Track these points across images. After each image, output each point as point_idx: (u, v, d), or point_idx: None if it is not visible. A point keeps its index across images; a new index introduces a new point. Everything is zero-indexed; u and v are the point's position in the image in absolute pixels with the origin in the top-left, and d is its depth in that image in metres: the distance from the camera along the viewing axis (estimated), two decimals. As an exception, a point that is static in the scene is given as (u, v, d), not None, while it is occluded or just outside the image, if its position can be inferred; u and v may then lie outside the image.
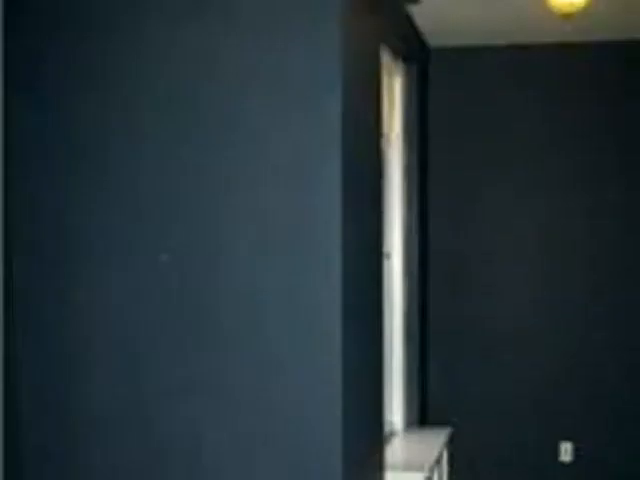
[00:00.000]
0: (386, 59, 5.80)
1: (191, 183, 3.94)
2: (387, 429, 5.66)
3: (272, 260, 3.85)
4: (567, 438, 6.84)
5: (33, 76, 4.05)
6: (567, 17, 5.07)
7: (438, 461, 5.57)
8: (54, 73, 4.04)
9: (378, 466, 4.71)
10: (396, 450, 5.55)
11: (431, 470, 5.13)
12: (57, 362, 4.10)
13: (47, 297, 4.11)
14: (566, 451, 6.83)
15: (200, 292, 3.92)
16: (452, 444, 6.53)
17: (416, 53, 6.67)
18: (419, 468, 4.94)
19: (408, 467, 5.00)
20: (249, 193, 3.88)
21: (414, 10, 6.05)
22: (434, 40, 6.93)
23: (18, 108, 4.04)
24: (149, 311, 3.99)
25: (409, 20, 6.33)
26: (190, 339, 3.93)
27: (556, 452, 6.86)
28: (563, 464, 6.84)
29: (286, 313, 3.83)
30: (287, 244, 3.84)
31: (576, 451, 6.81)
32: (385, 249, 5.71)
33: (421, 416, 6.79)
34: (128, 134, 4.00)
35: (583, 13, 5.23)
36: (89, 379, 4.08)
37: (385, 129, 5.80)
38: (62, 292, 4.09)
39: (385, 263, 5.55)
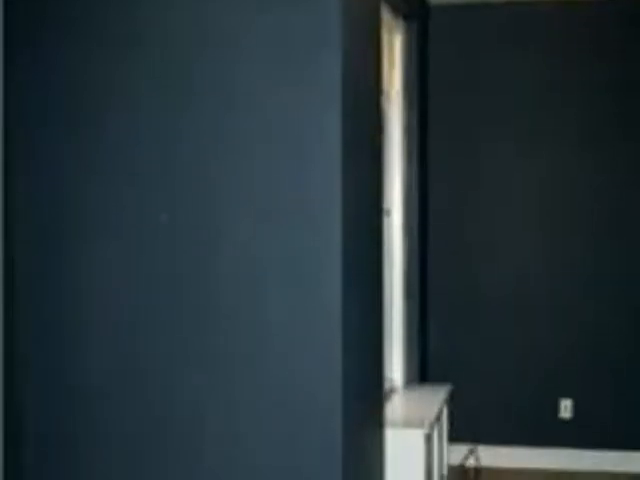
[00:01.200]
0: (386, 17, 5.77)
1: (189, 149, 3.93)
2: (387, 386, 5.69)
3: (271, 221, 3.84)
4: (567, 395, 6.87)
5: (33, 42, 4.04)
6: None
7: (438, 418, 5.60)
8: (54, 39, 4.03)
9: (378, 423, 4.73)
10: (396, 407, 5.58)
11: (431, 427, 5.15)
12: (55, 334, 4.10)
13: (46, 267, 4.11)
14: (566, 408, 6.86)
15: (198, 260, 3.92)
16: (452, 401, 6.56)
17: (416, 10, 6.62)
18: (419, 425, 4.97)
19: (408, 424, 5.03)
20: (248, 154, 3.87)
21: (414, -33, 6.01)
22: (434, -3, 6.90)
23: (16, 83, 4.05)
24: (147, 282, 3.99)
25: (409, -23, 6.30)
26: (189, 308, 3.93)
27: (556, 409, 6.89)
28: (563, 421, 6.87)
29: (285, 273, 3.83)
30: (286, 203, 3.83)
31: (576, 408, 6.84)
32: (385, 206, 5.71)
33: (421, 373, 6.82)
34: (125, 101, 3.99)
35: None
36: (87, 352, 4.08)
37: (385, 86, 5.78)
38: (61, 262, 4.09)
39: (385, 220, 5.55)
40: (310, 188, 3.81)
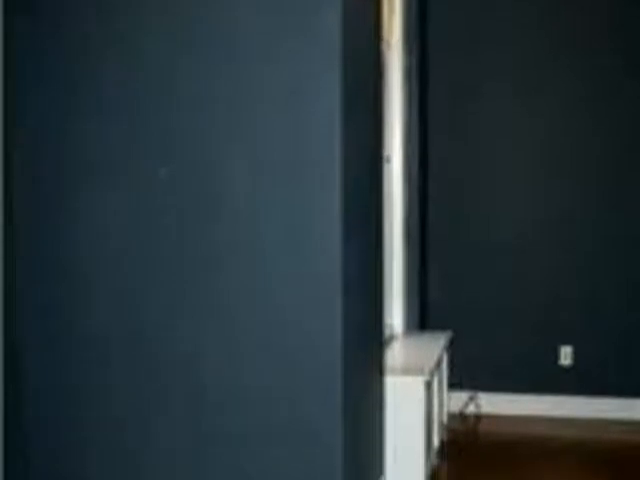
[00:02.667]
0: (386, -39, 5.71)
1: (188, 104, 3.91)
2: (387, 333, 5.70)
3: (271, 170, 3.83)
4: (567, 342, 6.88)
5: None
6: None
7: (438, 365, 5.62)
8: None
9: (378, 370, 4.75)
10: (396, 354, 5.59)
11: (431, 374, 5.17)
12: (56, 281, 4.11)
13: (46, 220, 4.11)
14: (566, 355, 6.87)
15: (198, 212, 3.91)
16: (452, 348, 6.58)
17: (416, -45, 6.56)
18: (419, 372, 4.98)
19: (408, 371, 5.04)
20: (248, 105, 3.85)
21: None
22: (435, -58, 6.82)
23: (16, 37, 4.02)
24: (147, 235, 3.99)
25: None
26: (189, 260, 3.93)
27: (556, 356, 6.90)
28: (563, 368, 6.89)
29: (286, 222, 3.83)
30: (287, 152, 3.82)
31: (576, 355, 6.86)
32: (385, 153, 5.68)
33: (421, 320, 6.83)
34: (124, 54, 3.97)
35: None
36: (88, 300, 4.09)
37: (385, 34, 5.72)
38: (60, 215, 4.09)
39: (385, 167, 5.52)
40: (310, 136, 3.80)
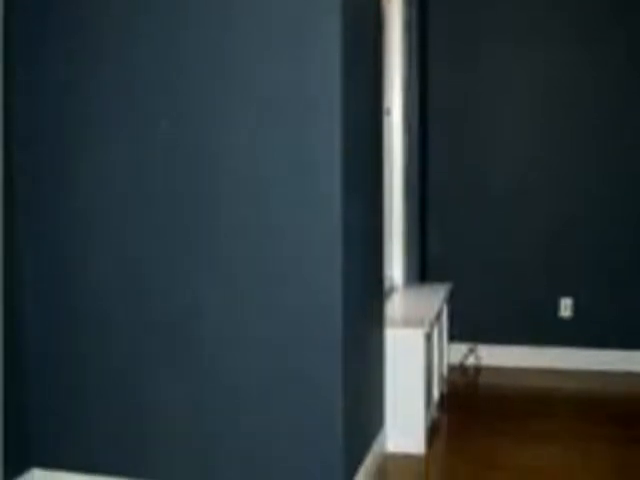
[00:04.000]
0: None
1: (189, 54, 3.92)
2: (387, 285, 5.69)
3: (272, 122, 3.82)
4: (567, 294, 6.88)
5: None
6: None
7: (438, 317, 5.62)
8: None
9: (378, 321, 4.75)
10: (396, 306, 5.58)
11: (431, 326, 5.17)
12: (56, 232, 4.12)
13: (47, 171, 4.11)
14: (566, 307, 6.87)
15: (199, 163, 3.91)
16: (452, 300, 6.58)
17: None
18: (419, 324, 4.97)
19: (408, 323, 5.03)
20: (248, 56, 3.84)
21: None
22: None
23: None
24: (149, 186, 4.00)
25: None
26: (189, 209, 3.94)
27: (556, 308, 6.90)
28: (563, 320, 6.89)
29: (286, 173, 3.82)
30: (287, 104, 3.80)
31: (576, 307, 6.86)
32: (385, 104, 5.64)
33: (421, 272, 6.83)
34: (126, 5, 3.96)
35: None
36: (88, 254, 4.10)
37: (384, -18, 5.67)
38: (62, 166, 4.09)
39: (385, 119, 5.49)
40: (310, 88, 3.78)
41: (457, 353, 6.92)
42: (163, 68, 3.92)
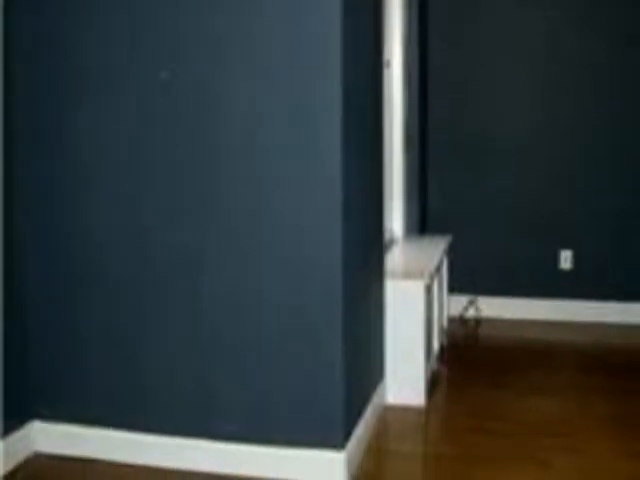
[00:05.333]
0: None
1: (189, 5, 3.86)
2: (387, 237, 5.68)
3: (272, 76, 3.81)
4: (567, 246, 6.88)
5: None
6: None
7: (438, 269, 5.61)
8: None
9: (378, 273, 4.74)
10: (396, 258, 5.58)
11: (431, 278, 5.16)
12: (56, 182, 4.11)
13: (47, 125, 4.10)
14: (566, 259, 6.87)
15: (199, 116, 3.90)
16: (452, 252, 6.57)
17: None
18: (419, 276, 4.97)
19: (408, 275, 5.03)
20: (248, 12, 3.80)
21: None
22: None
23: None
24: (149, 137, 3.98)
25: None
26: (188, 159, 3.93)
27: (556, 260, 6.90)
28: (563, 271, 6.89)
29: (286, 127, 3.81)
30: (286, 58, 3.80)
31: (576, 259, 6.86)
32: (385, 57, 5.59)
33: (421, 224, 6.82)
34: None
35: None
36: (88, 200, 4.09)
37: None
38: (62, 119, 4.08)
39: (385, 72, 5.44)
40: (310, 40, 3.75)
41: (457, 305, 6.93)
42: (164, 23, 3.89)
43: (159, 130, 3.95)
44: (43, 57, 4.07)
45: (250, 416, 3.99)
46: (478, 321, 6.84)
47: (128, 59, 3.96)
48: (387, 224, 5.75)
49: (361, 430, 4.22)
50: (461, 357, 5.99)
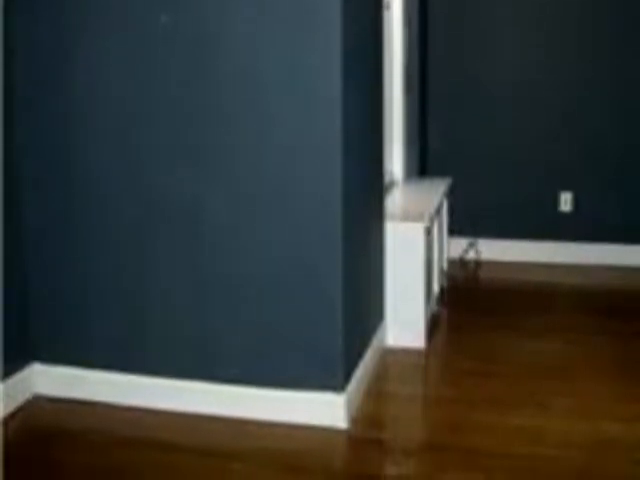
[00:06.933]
0: None
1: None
2: (387, 179, 5.65)
3: (272, 11, 3.75)
4: (567, 188, 6.86)
5: None
6: None
7: (438, 211, 5.59)
8: None
9: (378, 215, 4.73)
10: (396, 200, 5.55)
11: (431, 220, 5.14)
12: (56, 124, 4.09)
13: (47, 61, 4.08)
14: (566, 201, 6.85)
15: (198, 58, 3.87)
16: (452, 195, 6.54)
17: None
18: (419, 218, 4.95)
19: (408, 217, 5.01)
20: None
21: None
22: None
23: None
24: (147, 76, 3.95)
25: None
26: (190, 102, 3.92)
27: (556, 202, 6.89)
28: (563, 214, 6.88)
29: (285, 68, 3.77)
30: None
31: (576, 201, 6.84)
32: (385, -3, 5.53)
33: (421, 167, 6.80)
34: None
35: None
36: (88, 142, 4.08)
37: None
38: (61, 57, 4.06)
39: (385, 13, 5.37)
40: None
41: (457, 247, 6.92)
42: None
43: (158, 71, 3.91)
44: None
45: (250, 359, 3.99)
46: (478, 263, 6.84)
47: (129, 1, 3.92)
48: (387, 166, 5.71)
49: (361, 372, 4.23)
50: (461, 299, 5.99)
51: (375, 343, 4.61)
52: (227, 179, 3.89)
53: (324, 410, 3.91)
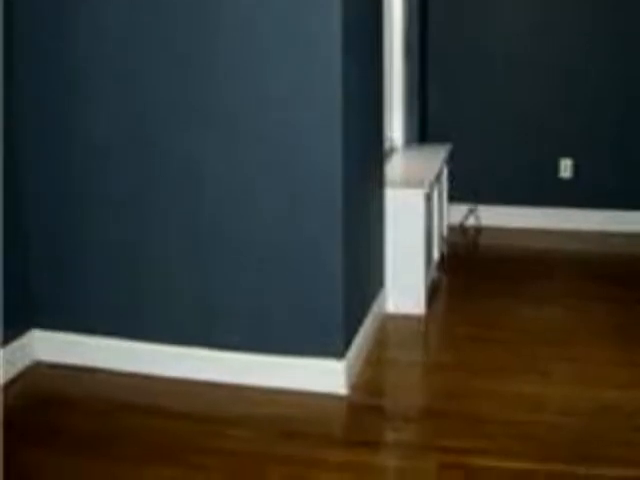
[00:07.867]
0: None
1: None
2: (387, 146, 5.63)
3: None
4: (567, 155, 6.84)
5: None
6: None
7: (438, 178, 5.57)
8: None
9: (378, 182, 4.71)
10: (396, 167, 5.53)
11: (431, 186, 5.12)
12: (56, 84, 4.07)
13: (46, 24, 4.02)
14: (566, 168, 6.84)
15: (198, 18, 3.82)
16: (452, 161, 6.52)
17: None
18: (419, 184, 4.93)
19: (408, 183, 4.99)
20: None
21: None
22: None
23: None
24: (148, 37, 3.94)
25: None
26: (188, 63, 3.90)
27: (556, 169, 6.87)
28: (563, 180, 6.86)
29: (285, 30, 3.76)
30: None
31: (576, 168, 6.82)
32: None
33: (421, 133, 6.77)
34: None
35: None
36: (88, 102, 4.05)
37: None
38: (61, 13, 3.98)
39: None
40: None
41: (457, 214, 6.90)
42: None
43: (161, 27, 3.87)
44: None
45: (250, 325, 3.99)
46: (478, 230, 6.83)
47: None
48: (387, 132, 5.69)
49: (361, 339, 4.22)
50: (461, 266, 5.99)
51: (375, 310, 4.60)
52: (228, 147, 3.87)
53: (324, 377, 3.91)
